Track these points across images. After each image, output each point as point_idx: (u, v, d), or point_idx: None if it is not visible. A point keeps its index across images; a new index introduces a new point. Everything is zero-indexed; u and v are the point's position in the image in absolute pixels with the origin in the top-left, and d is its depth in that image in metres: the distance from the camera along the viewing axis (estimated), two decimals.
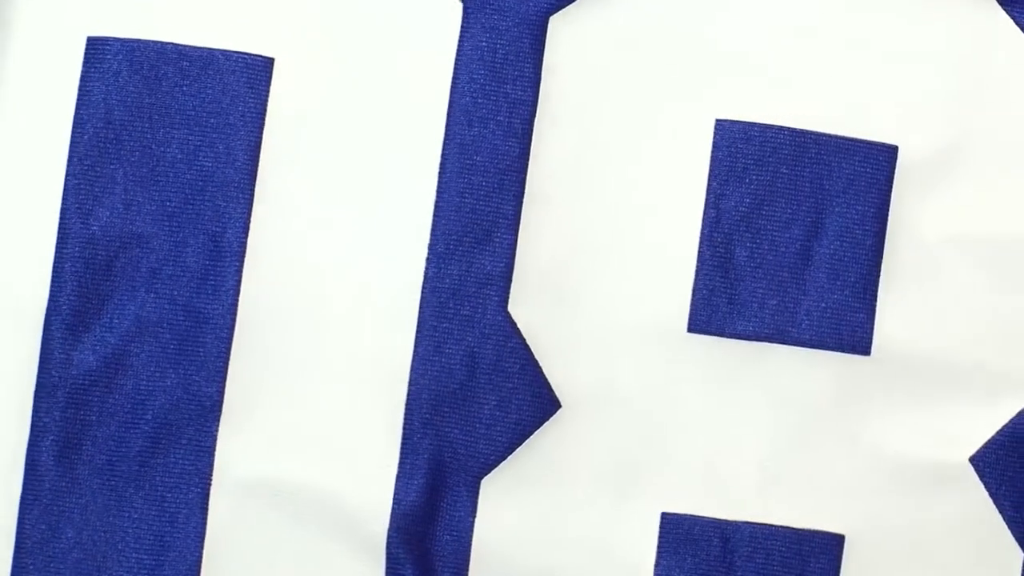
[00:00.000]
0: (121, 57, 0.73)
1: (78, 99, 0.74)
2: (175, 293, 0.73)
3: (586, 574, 0.72)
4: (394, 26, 0.74)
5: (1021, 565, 0.72)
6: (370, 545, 0.72)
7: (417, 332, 0.73)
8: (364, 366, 0.73)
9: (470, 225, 0.73)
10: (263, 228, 0.73)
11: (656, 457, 0.73)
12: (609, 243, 0.73)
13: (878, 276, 0.72)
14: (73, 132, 0.73)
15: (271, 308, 0.73)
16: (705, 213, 0.73)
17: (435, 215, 0.73)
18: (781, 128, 0.73)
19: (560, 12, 0.73)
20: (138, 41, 0.74)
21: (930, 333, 0.72)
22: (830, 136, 0.73)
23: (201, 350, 0.73)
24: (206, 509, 0.73)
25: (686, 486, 0.73)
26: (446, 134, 0.73)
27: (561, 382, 0.72)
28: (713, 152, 0.73)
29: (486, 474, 0.73)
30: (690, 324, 0.73)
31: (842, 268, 0.73)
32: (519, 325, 0.72)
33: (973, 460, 0.72)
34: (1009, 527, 0.72)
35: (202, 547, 0.73)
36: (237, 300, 0.73)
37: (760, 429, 0.72)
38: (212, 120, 0.73)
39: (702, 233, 0.73)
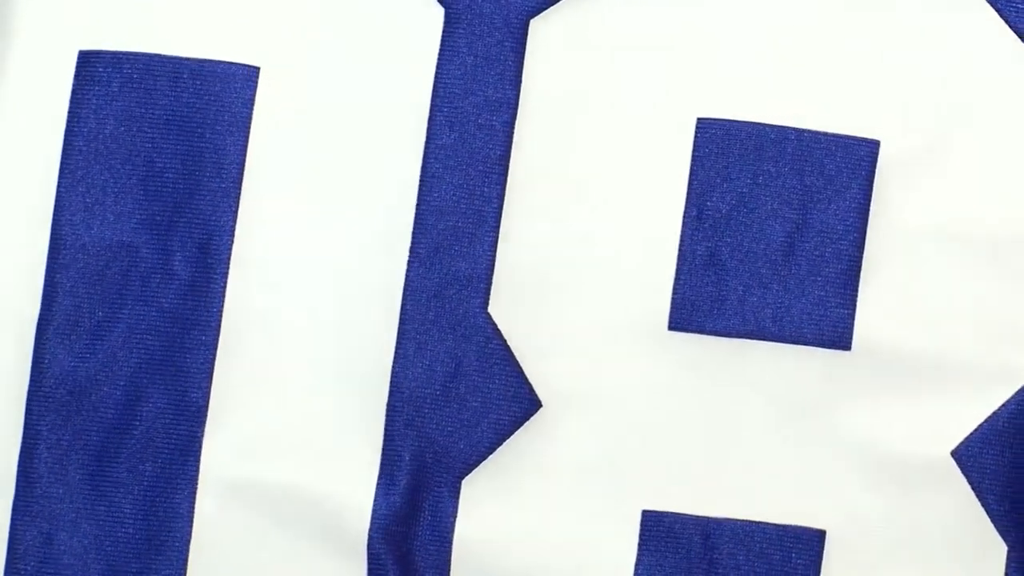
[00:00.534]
0: (112, 69, 0.75)
1: (69, 111, 0.75)
2: (163, 301, 0.74)
3: (567, 572, 0.72)
4: (377, 32, 0.74)
5: (1004, 559, 0.71)
6: (353, 545, 0.72)
7: (399, 334, 0.73)
8: (347, 368, 0.73)
9: (451, 227, 0.73)
10: (248, 234, 0.74)
11: (637, 455, 0.72)
12: (590, 242, 0.73)
13: (859, 271, 0.72)
14: (65, 143, 0.75)
15: (255, 312, 0.74)
16: (686, 211, 0.73)
17: (416, 218, 0.73)
18: (763, 125, 0.73)
19: (540, 15, 0.74)
20: (128, 53, 0.75)
21: (911, 328, 0.72)
22: (811, 132, 0.72)
23: (188, 356, 0.74)
24: (192, 512, 0.73)
25: (667, 483, 0.72)
26: (428, 137, 0.73)
27: (542, 381, 0.72)
28: (694, 151, 0.73)
29: (467, 474, 0.73)
30: (671, 322, 0.72)
31: (823, 264, 0.72)
32: (500, 326, 0.73)
33: (955, 454, 0.71)
34: (992, 520, 0.71)
35: (188, 549, 0.73)
36: (223, 306, 0.74)
37: (741, 425, 0.72)
38: (200, 129, 0.74)
39: (683, 231, 0.73)
